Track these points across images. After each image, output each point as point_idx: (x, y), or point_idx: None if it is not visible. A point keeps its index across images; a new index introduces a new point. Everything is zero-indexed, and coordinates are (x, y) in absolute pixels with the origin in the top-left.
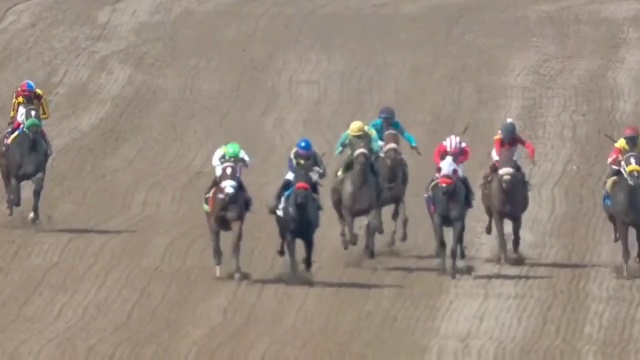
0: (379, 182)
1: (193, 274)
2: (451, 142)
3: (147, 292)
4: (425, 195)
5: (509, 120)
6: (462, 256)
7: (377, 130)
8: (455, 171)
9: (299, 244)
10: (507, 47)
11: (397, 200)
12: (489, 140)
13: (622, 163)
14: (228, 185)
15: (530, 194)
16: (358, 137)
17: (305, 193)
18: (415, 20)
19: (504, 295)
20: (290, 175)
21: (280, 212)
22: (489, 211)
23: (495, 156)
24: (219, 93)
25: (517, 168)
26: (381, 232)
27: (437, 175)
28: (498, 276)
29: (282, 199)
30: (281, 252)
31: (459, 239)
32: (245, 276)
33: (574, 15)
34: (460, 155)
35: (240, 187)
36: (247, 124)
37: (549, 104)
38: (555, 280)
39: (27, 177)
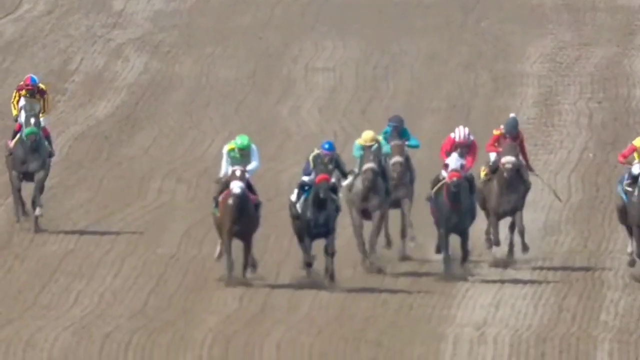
0: (389, 187)
1: (209, 261)
2: (460, 132)
3: (163, 279)
4: (430, 196)
5: (512, 115)
6: (465, 259)
7: (385, 138)
8: (462, 165)
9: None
10: (523, 34)
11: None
12: None
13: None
14: (236, 186)
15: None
16: (369, 147)
17: (327, 185)
18: (430, 8)
19: (519, 283)
20: (305, 177)
21: (298, 209)
22: (487, 212)
23: (492, 156)
24: (235, 80)
25: (519, 160)
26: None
27: (442, 173)
28: (514, 264)
29: (301, 200)
30: (308, 264)
31: (465, 248)
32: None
33: (590, 3)
34: (468, 147)
35: (250, 189)
36: (263, 111)
37: (565, 91)
38: (571, 269)
39: (31, 176)
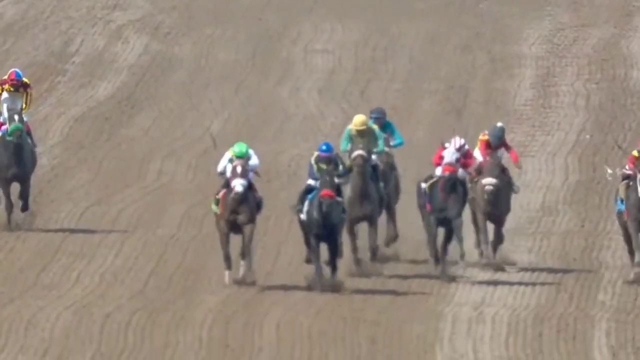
0: (379, 188)
1: (209, 242)
2: (455, 142)
3: (163, 260)
4: (423, 185)
5: (499, 124)
6: (462, 257)
7: None
8: (458, 160)
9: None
10: (521, 16)
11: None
12: (504, 110)
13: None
14: (238, 184)
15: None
16: (361, 133)
17: (331, 201)
18: None
19: (517, 264)
20: (311, 181)
21: (303, 216)
22: (474, 214)
23: (479, 156)
24: (235, 62)
25: (503, 170)
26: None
27: (436, 171)
28: (512, 244)
29: (306, 202)
30: (308, 260)
31: (458, 237)
32: (253, 282)
33: None
34: (463, 153)
35: (250, 187)
36: (263, 93)
37: (563, 72)
38: (568, 248)
39: (16, 178)
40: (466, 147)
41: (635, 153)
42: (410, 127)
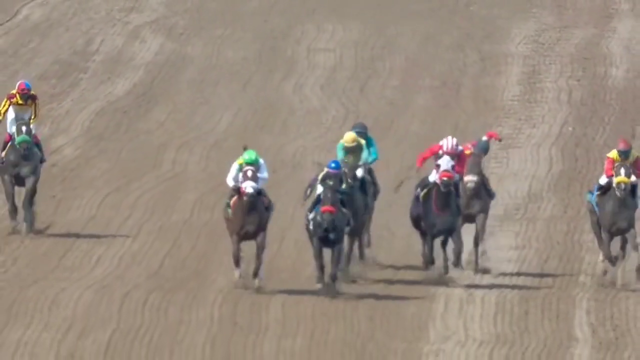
0: (367, 202)
1: (220, 227)
2: (448, 142)
3: (178, 243)
4: (416, 192)
5: (485, 138)
6: (458, 263)
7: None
8: (454, 167)
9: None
10: (509, 17)
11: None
12: (492, 105)
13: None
14: (249, 186)
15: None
16: (350, 149)
17: (332, 217)
18: None
19: (505, 247)
20: (319, 189)
21: (310, 226)
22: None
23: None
24: (242, 60)
25: (481, 176)
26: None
27: (430, 177)
28: (500, 229)
29: (313, 212)
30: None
31: (457, 242)
32: (261, 287)
33: None
34: (457, 157)
35: (260, 194)
36: (268, 88)
37: (547, 70)
38: (552, 233)
39: (22, 180)
40: (460, 147)
41: (613, 155)
42: (406, 121)
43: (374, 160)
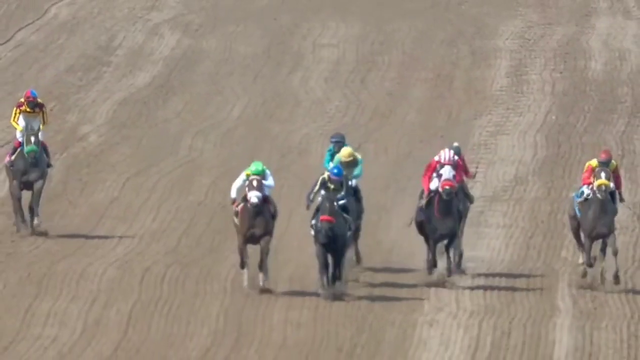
0: (361, 208)
1: (231, 208)
2: (445, 155)
3: (194, 222)
4: (418, 205)
5: (455, 144)
6: (459, 266)
7: (331, 155)
8: (455, 176)
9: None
10: (497, 15)
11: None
12: (482, 95)
13: (592, 178)
14: (254, 196)
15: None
16: (347, 164)
17: (331, 226)
18: None
19: (493, 226)
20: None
21: (312, 232)
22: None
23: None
24: (253, 55)
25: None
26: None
27: (432, 185)
28: (489, 209)
29: (316, 217)
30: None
31: (457, 248)
32: (266, 288)
33: None
34: (455, 166)
35: (266, 201)
36: (277, 81)
37: (532, 63)
38: (537, 213)
39: (30, 185)
40: (456, 158)
41: (593, 164)
42: (404, 110)
43: (358, 175)
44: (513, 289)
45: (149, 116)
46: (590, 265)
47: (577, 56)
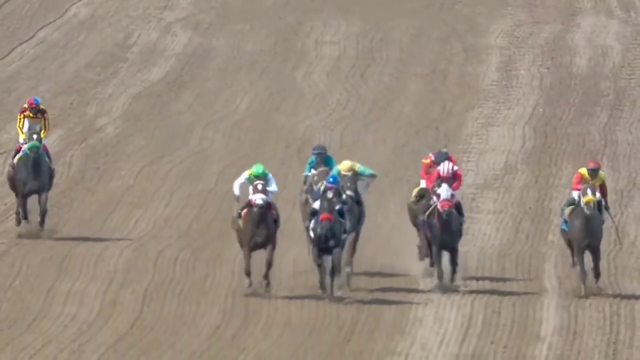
0: (362, 211)
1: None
2: (445, 167)
3: (204, 209)
4: (421, 218)
5: (444, 150)
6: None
7: (312, 166)
8: (453, 196)
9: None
10: (488, 14)
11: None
12: (475, 89)
13: (580, 193)
14: (258, 198)
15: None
16: (347, 176)
17: (330, 225)
18: None
19: (484, 211)
20: (317, 204)
21: (311, 233)
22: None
23: (423, 183)
24: (260, 52)
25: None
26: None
27: (433, 200)
28: (481, 196)
29: (313, 221)
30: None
31: (454, 262)
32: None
33: None
34: (453, 179)
35: (269, 208)
36: (282, 76)
37: (521, 59)
38: (525, 199)
39: (32, 193)
40: (455, 168)
41: (583, 171)
42: (401, 103)
43: (372, 175)
44: (503, 271)
45: (162, 109)
46: (584, 282)
47: (563, 52)
